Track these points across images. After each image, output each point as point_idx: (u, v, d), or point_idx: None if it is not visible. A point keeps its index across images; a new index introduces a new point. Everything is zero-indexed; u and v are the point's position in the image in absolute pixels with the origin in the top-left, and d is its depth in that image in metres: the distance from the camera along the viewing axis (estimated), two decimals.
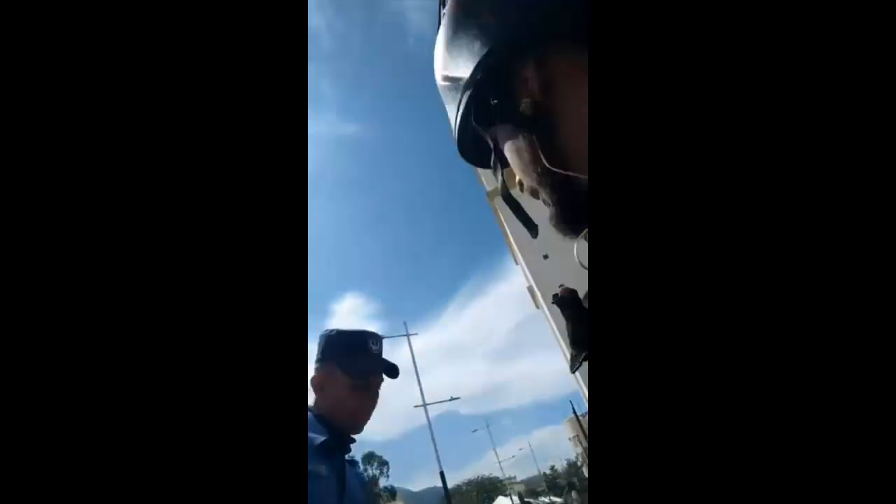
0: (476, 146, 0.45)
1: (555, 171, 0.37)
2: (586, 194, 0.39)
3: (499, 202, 21.12)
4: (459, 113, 0.40)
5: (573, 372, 0.68)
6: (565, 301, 0.68)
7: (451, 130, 0.44)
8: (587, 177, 0.37)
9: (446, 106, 0.43)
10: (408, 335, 13.58)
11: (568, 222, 0.41)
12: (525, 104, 0.36)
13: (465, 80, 0.38)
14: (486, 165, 0.47)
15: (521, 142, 0.38)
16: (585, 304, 0.65)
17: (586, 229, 0.40)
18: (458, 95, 0.39)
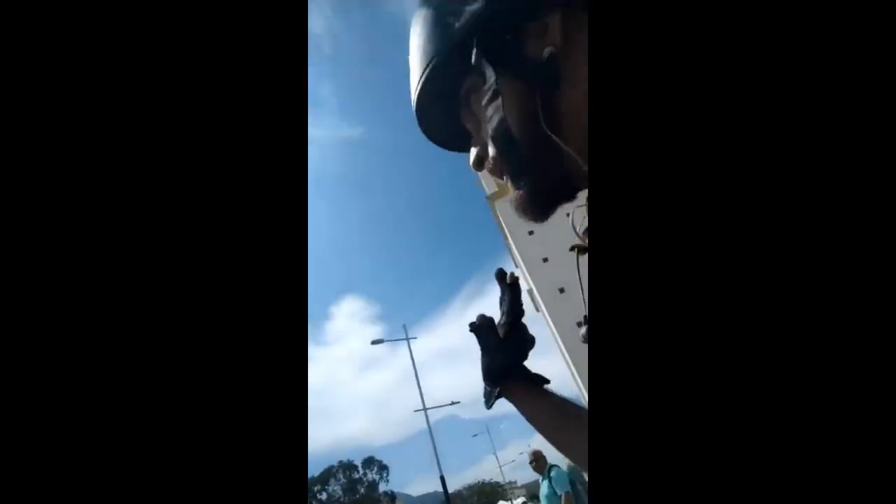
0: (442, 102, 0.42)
1: (548, 139, 0.35)
2: (563, 181, 0.38)
3: (499, 206, 21.16)
4: (455, 35, 0.37)
5: (488, 408, 0.59)
6: (481, 329, 0.59)
7: (424, 56, 0.40)
8: (578, 156, 0.36)
9: (423, 29, 0.40)
10: (407, 339, 13.57)
11: (537, 206, 0.39)
12: (547, 50, 0.35)
13: (476, 7, 0.36)
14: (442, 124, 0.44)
15: (524, 92, 0.37)
16: (500, 334, 0.57)
17: (584, 202, 0.38)
18: (458, 20, 0.37)
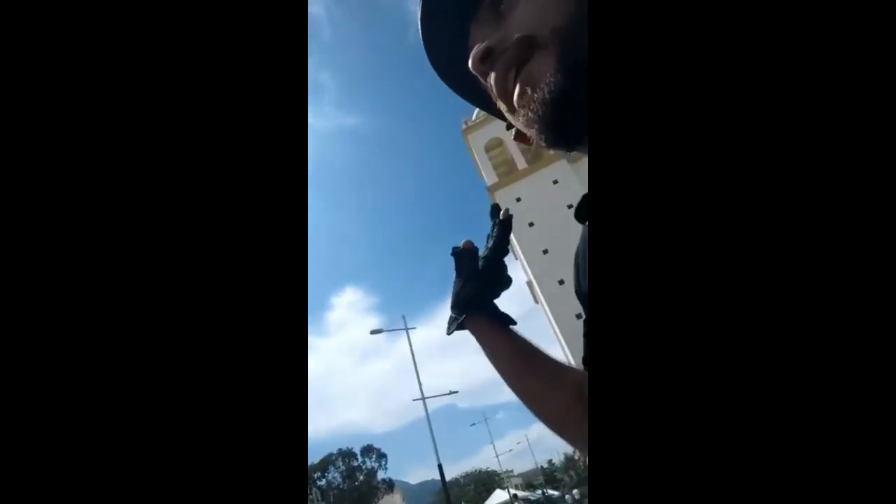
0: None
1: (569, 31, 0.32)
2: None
3: (499, 196, 21.11)
4: None
5: (448, 334, 0.59)
6: (462, 254, 0.58)
7: None
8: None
9: None
10: (406, 329, 13.60)
11: (564, 118, 0.33)
12: None
13: None
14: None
15: None
16: (479, 266, 0.56)
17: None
18: None
